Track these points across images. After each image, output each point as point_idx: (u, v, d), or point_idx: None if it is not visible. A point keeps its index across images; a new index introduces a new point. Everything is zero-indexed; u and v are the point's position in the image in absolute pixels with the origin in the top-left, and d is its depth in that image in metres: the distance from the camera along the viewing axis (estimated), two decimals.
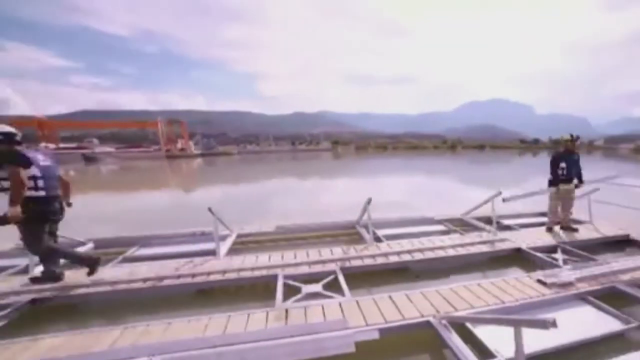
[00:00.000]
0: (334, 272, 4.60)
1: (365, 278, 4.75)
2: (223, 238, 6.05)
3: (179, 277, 4.44)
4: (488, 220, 6.80)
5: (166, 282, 4.31)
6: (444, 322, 3.29)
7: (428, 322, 3.34)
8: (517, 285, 4.12)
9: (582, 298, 4.01)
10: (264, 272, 4.58)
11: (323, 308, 3.58)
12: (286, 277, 4.45)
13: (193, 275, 4.47)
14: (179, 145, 63.21)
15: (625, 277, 4.44)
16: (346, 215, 7.33)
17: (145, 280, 4.35)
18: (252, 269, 4.67)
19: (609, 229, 6.76)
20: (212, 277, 4.42)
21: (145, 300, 4.12)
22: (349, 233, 6.74)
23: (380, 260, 5.01)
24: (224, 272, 4.57)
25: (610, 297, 4.05)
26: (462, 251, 5.44)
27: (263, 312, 3.49)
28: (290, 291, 4.10)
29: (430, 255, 5.24)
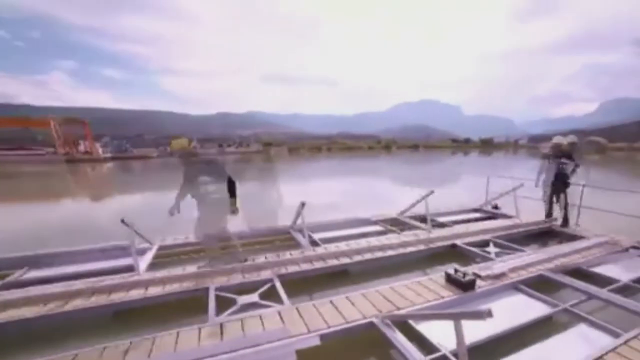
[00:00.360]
0: (270, 280, 4.51)
1: (304, 284, 4.75)
2: (142, 252, 5.59)
3: (88, 298, 3.98)
4: (423, 219, 7.25)
5: (72, 305, 3.82)
6: (386, 321, 3.41)
7: (371, 323, 3.43)
8: (454, 280, 4.42)
9: (515, 287, 4.47)
10: (193, 286, 4.32)
11: (261, 318, 3.48)
12: (218, 289, 4.25)
13: (108, 295, 4.04)
14: (82, 148, 57.04)
15: (551, 265, 5.07)
16: (280, 220, 7.30)
17: (45, 303, 3.83)
18: (179, 283, 4.38)
19: (534, 222, 7.64)
20: (131, 296, 4.04)
21: (44, 330, 3.61)
22: (284, 239, 6.69)
23: (318, 265, 5.04)
24: (146, 288, 4.22)
25: (538, 284, 4.58)
26: (399, 250, 5.73)
27: (194, 330, 3.27)
28: (224, 304, 3.92)
29: (368, 256, 5.42)
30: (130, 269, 4.82)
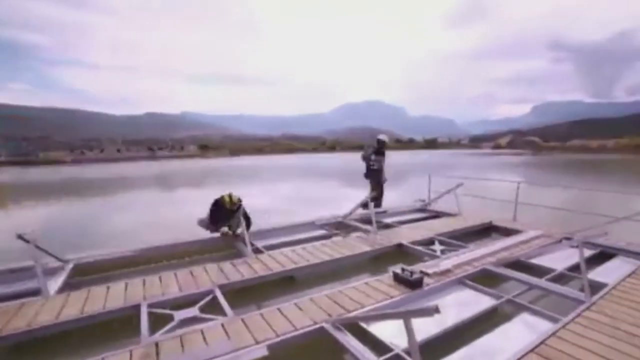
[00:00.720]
0: (211, 292, 4.35)
1: (248, 293, 4.65)
2: (53, 272, 5.11)
3: None
4: (368, 220, 7.48)
5: None
6: (337, 325, 3.45)
7: (322, 328, 3.44)
8: (402, 279, 4.60)
9: (460, 282, 4.77)
10: (120, 304, 4.01)
11: (203, 333, 3.33)
12: (152, 305, 3.99)
13: (5, 324, 3.59)
14: None
15: (493, 259, 5.51)
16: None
17: None
18: (102, 302, 4.05)
19: (475, 218, 8.26)
20: (39, 322, 3.64)
21: None
22: (224, 247, 6.52)
23: (262, 273, 4.96)
24: (58, 313, 3.83)
25: (483, 278, 4.95)
26: (346, 253, 5.82)
27: (125, 353, 3.03)
28: (160, 321, 3.69)
29: (315, 261, 5.45)
30: (35, 292, 4.37)
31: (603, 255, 6.08)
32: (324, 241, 6.50)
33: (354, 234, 7.00)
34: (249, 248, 5.85)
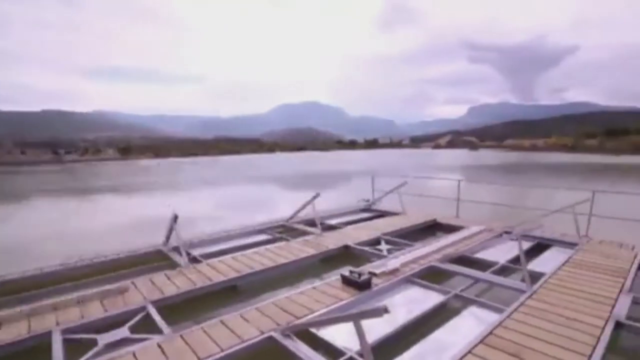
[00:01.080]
0: (143, 309, 4.11)
1: (187, 307, 4.47)
2: None
3: None
4: (312, 223, 7.55)
5: None
6: (287, 333, 3.43)
7: (270, 338, 3.41)
8: (350, 281, 4.70)
9: (409, 280, 4.99)
10: (24, 333, 3.59)
11: (135, 356, 3.13)
12: (68, 331, 3.67)
13: None
14: None
15: (439, 255, 5.83)
16: (148, 239, 6.79)
17: None
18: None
19: (420, 217, 8.69)
20: None
21: None
22: (156, 259, 6.17)
23: (201, 284, 4.80)
24: None
25: (430, 275, 5.23)
26: (291, 257, 5.85)
27: None
28: (80, 348, 3.40)
29: (259, 267, 5.40)
30: None
31: (540, 247, 6.76)
32: (267, 246, 6.44)
33: (299, 238, 7.02)
34: (185, 258, 5.63)
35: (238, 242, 7.13)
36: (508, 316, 3.77)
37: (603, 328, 3.54)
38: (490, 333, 3.42)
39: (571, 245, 6.54)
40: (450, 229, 7.96)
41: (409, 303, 4.35)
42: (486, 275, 5.07)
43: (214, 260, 5.72)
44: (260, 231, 7.78)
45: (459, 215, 8.86)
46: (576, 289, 4.50)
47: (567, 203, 6.68)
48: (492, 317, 3.87)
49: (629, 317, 3.84)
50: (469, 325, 3.87)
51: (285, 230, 7.93)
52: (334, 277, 4.91)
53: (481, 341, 3.27)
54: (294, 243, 6.66)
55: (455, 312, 4.24)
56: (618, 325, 3.68)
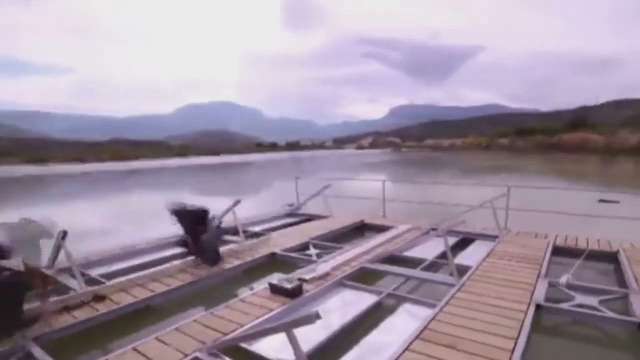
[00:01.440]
0: (21, 349, 3.57)
1: (87, 339, 4.07)
2: None
3: None
4: (234, 231, 7.37)
5: None
6: (214, 351, 3.30)
7: (195, 359, 3.26)
8: (280, 289, 4.67)
9: (341, 284, 5.11)
10: None
11: None
12: None
13: None
14: None
15: (369, 256, 6.05)
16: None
17: None
18: None
19: (347, 219, 8.95)
20: None
21: None
22: (40, 284, 5.50)
23: (105, 309, 4.37)
24: None
25: (362, 276, 5.42)
26: (213, 269, 5.69)
27: None
28: None
29: (176, 284, 5.12)
30: None
31: (465, 241, 7.36)
32: (185, 259, 6.09)
33: (220, 248, 6.78)
34: (80, 281, 4.98)
35: (149, 257, 6.66)
36: (440, 310, 4.05)
37: (526, 312, 4.01)
38: (426, 328, 3.64)
39: (492, 238, 7.20)
40: (378, 229, 8.29)
41: (342, 306, 4.45)
42: (416, 272, 5.41)
43: (119, 280, 5.19)
44: (176, 243, 7.37)
45: (386, 215, 9.31)
46: (500, 278, 5.01)
47: (486, 199, 7.37)
48: (426, 312, 4.12)
49: (546, 300, 4.41)
50: (404, 322, 4.06)
51: None
52: (262, 287, 4.84)
53: (417, 337, 3.46)
54: None
55: (390, 310, 4.44)
56: (538, 307, 4.20)
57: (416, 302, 4.53)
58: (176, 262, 5.95)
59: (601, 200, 11.77)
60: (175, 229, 6.49)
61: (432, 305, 4.25)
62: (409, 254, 6.47)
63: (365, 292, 4.85)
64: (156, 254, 6.88)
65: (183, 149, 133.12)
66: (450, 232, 7.03)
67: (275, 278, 4.84)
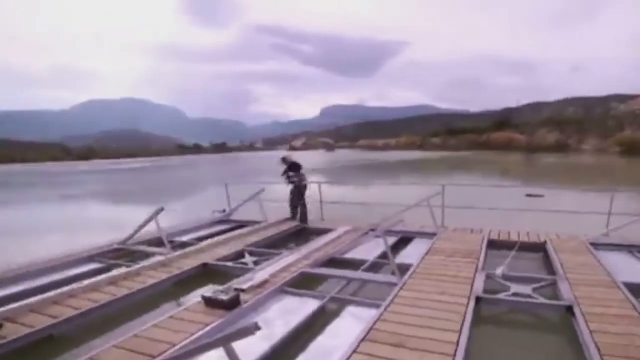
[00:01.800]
0: None
1: None
2: None
3: None
4: (159, 242, 7.08)
5: None
6: None
7: None
8: (215, 302, 4.54)
9: (282, 291, 5.10)
10: None
11: None
12: None
13: None
14: None
15: (309, 261, 6.11)
16: None
17: None
18: None
19: (284, 223, 9.00)
20: None
21: None
22: None
23: None
24: None
25: (303, 282, 5.47)
26: (136, 286, 5.31)
27: None
28: None
29: (89, 306, 4.67)
30: None
31: (404, 240, 7.73)
32: (99, 278, 5.60)
33: (143, 262, 6.45)
34: None
35: (54, 276, 6.08)
36: (385, 310, 4.22)
37: (467, 305, 4.33)
38: (372, 329, 3.76)
39: (431, 235, 7.62)
40: (317, 232, 8.43)
41: (285, 314, 4.46)
42: (359, 274, 5.60)
43: (14, 307, 4.62)
44: (89, 259, 6.88)
45: (325, 218, 9.52)
46: (440, 274, 5.36)
47: (422, 197, 7.77)
48: (371, 313, 4.24)
49: (485, 291, 4.81)
50: (350, 325, 4.17)
51: (122, 255, 7.24)
52: (195, 301, 4.65)
53: (364, 338, 3.56)
54: (138, 269, 6.03)
55: (335, 314, 4.54)
56: (478, 300, 4.56)
57: (360, 303, 4.70)
58: (90, 281, 5.46)
59: (528, 195, 13.04)
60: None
61: (377, 306, 4.40)
62: (350, 256, 6.66)
63: (308, 298, 4.91)
64: (65, 272, 6.34)
65: (87, 153, 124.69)
66: (390, 232, 7.33)
67: (209, 290, 4.68)
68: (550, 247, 6.65)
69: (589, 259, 6.06)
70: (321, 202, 9.61)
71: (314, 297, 4.91)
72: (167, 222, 7.68)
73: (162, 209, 6.91)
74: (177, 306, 4.94)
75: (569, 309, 4.34)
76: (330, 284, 5.54)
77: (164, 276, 5.75)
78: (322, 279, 5.72)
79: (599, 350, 3.36)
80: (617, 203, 7.60)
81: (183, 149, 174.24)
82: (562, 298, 4.69)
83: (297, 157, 10.58)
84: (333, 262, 6.31)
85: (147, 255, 7.00)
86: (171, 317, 4.29)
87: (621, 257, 6.53)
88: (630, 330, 3.73)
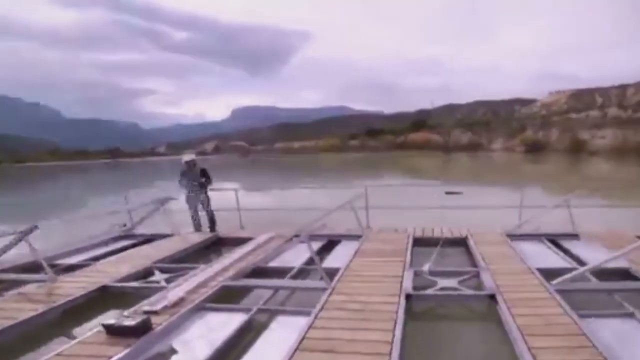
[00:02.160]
0: None
1: None
2: None
3: None
4: (35, 267, 6.28)
5: None
6: None
7: None
8: (120, 329, 4.13)
9: (201, 308, 4.84)
10: None
11: None
12: None
13: None
14: None
15: (230, 273, 5.91)
16: None
17: None
18: None
19: (198, 235, 8.81)
20: None
21: None
22: None
23: None
24: None
25: (226, 296, 5.31)
26: (5, 323, 4.45)
27: None
28: None
29: None
30: None
31: (331, 244, 7.90)
32: None
33: (12, 291, 5.66)
34: None
35: None
36: (316, 316, 4.27)
37: (398, 303, 4.59)
38: (304, 337, 3.77)
39: (357, 237, 7.86)
40: (236, 241, 8.22)
41: (207, 333, 4.26)
42: (285, 281, 5.63)
43: None
44: None
45: (244, 227, 9.38)
46: (369, 275, 5.65)
47: (345, 200, 7.87)
48: (302, 322, 4.23)
49: (414, 288, 5.18)
50: (280, 336, 4.11)
51: None
52: (93, 331, 4.16)
53: (297, 348, 3.55)
54: (9, 300, 5.29)
55: (263, 327, 4.45)
56: (408, 297, 4.86)
57: (290, 312, 4.72)
58: None
59: (447, 193, 13.94)
60: None
61: (307, 313, 4.41)
62: (274, 264, 6.60)
63: (232, 313, 4.75)
64: None
65: None
66: (314, 237, 7.45)
67: (111, 316, 4.31)
68: (471, 241, 7.31)
69: (506, 249, 6.90)
70: (239, 209, 9.47)
71: (239, 310, 4.77)
72: (48, 243, 7.21)
73: (35, 227, 6.09)
74: (69, 340, 4.36)
75: (492, 297, 4.83)
76: (256, 295, 5.46)
77: (44, 307, 4.89)
78: (246, 290, 5.62)
79: (520, 331, 3.81)
80: (527, 196, 8.67)
81: (58, 155, 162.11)
82: (485, 287, 5.19)
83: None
84: (257, 272, 6.19)
85: (18, 284, 6.11)
86: (60, 354, 3.72)
87: (533, 246, 7.46)
88: (546, 311, 4.31)
